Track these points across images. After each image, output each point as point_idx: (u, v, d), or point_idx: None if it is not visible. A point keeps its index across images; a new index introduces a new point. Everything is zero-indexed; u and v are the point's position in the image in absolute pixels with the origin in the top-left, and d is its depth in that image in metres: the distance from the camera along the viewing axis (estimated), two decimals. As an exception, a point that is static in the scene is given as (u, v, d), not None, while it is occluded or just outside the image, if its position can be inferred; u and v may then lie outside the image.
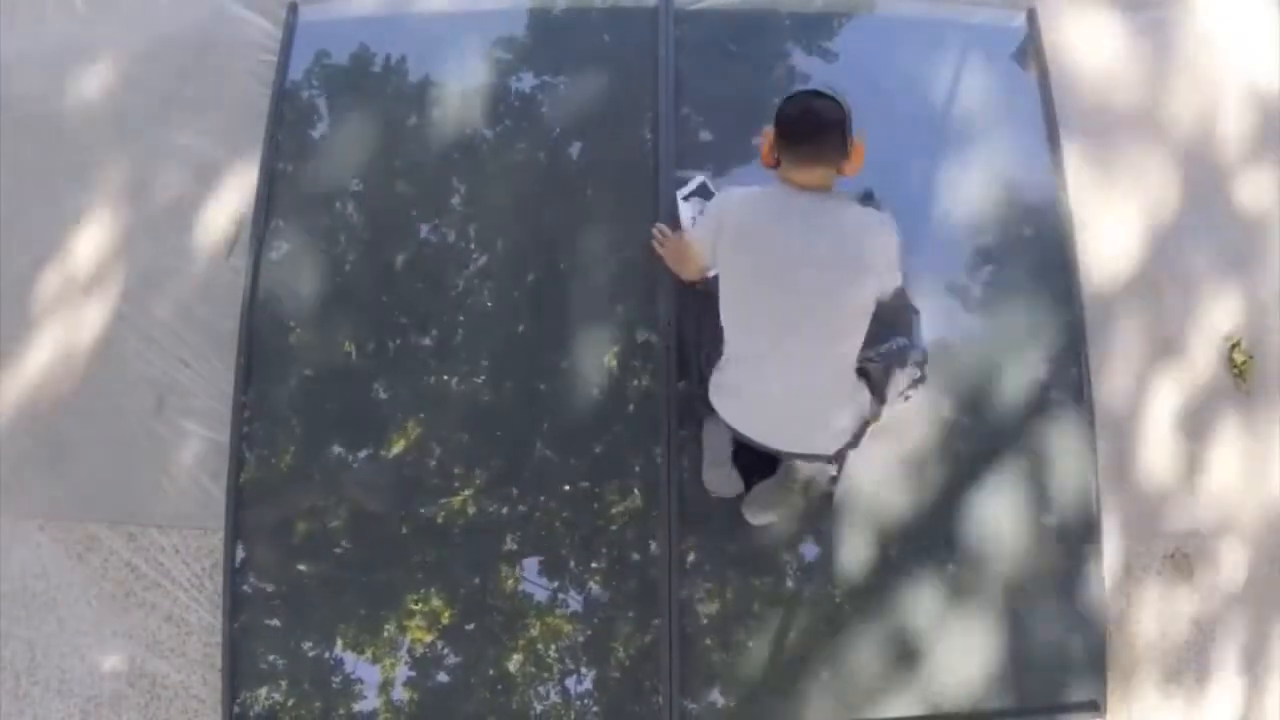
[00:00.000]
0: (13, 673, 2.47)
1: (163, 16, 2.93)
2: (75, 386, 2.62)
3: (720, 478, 2.36)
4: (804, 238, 1.97)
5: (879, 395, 2.19)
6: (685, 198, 2.57)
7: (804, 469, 2.30)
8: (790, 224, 1.98)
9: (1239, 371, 2.61)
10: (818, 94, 1.99)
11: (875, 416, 2.21)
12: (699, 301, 2.33)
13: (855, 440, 2.19)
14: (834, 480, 2.41)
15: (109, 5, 2.94)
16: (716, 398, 2.18)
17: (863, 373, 2.15)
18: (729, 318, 2.10)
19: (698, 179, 2.59)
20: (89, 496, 2.55)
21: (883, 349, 2.21)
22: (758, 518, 2.37)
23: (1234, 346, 2.61)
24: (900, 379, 2.23)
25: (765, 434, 2.16)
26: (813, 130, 1.97)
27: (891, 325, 2.21)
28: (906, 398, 2.28)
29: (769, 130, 2.03)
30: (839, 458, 2.28)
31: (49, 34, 2.92)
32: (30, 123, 2.83)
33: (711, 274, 2.17)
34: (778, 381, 2.07)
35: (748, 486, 2.37)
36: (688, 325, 2.45)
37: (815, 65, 2.79)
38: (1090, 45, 2.89)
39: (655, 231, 2.49)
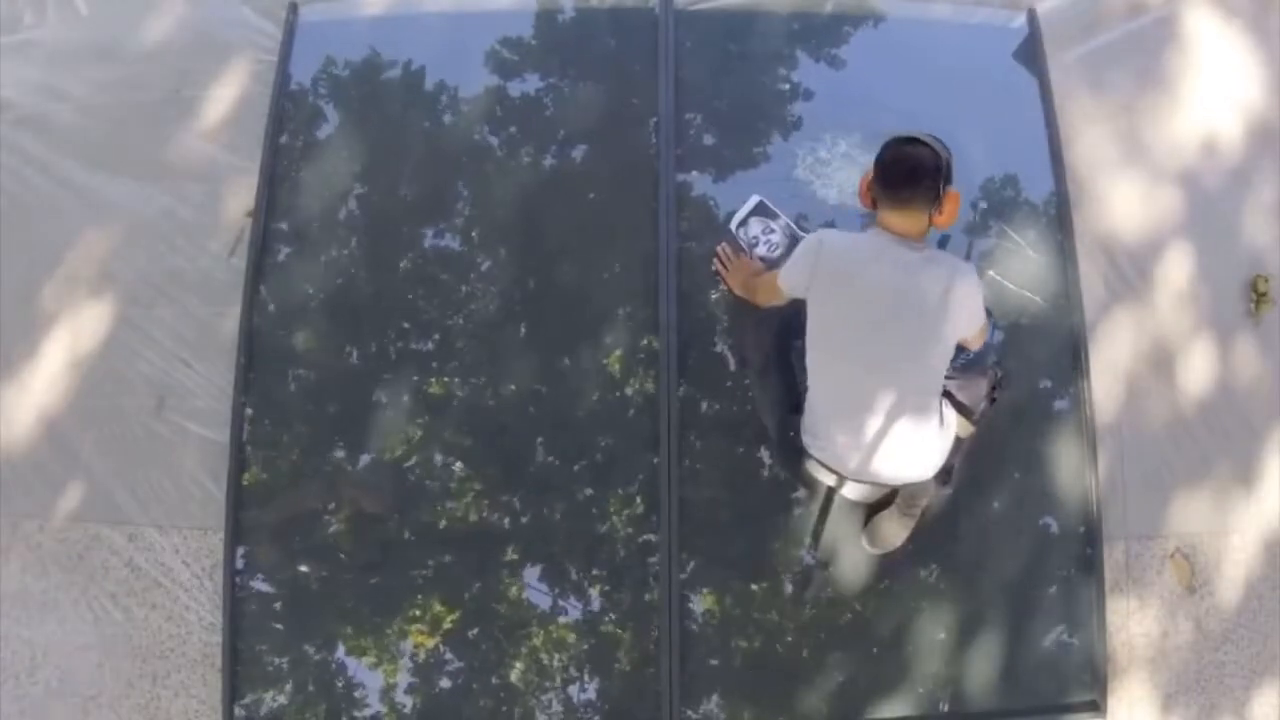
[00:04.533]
0: (13, 673, 2.47)
1: (163, 17, 2.92)
2: (75, 386, 2.62)
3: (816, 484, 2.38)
4: (896, 284, 2.03)
5: (965, 410, 2.24)
6: (743, 220, 2.58)
7: (918, 494, 2.30)
8: (884, 269, 2.04)
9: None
10: (915, 140, 2.06)
11: (965, 430, 2.26)
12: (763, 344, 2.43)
13: (952, 457, 2.24)
14: (947, 493, 2.41)
15: (109, 6, 2.94)
16: (809, 438, 2.23)
17: (945, 393, 2.20)
18: (817, 357, 2.14)
19: (754, 199, 2.59)
20: (89, 496, 2.55)
21: (957, 363, 2.26)
22: (879, 548, 2.38)
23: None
24: (980, 387, 2.28)
25: (860, 471, 2.18)
26: (906, 175, 2.04)
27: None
28: (993, 400, 2.32)
29: (868, 172, 2.11)
30: (944, 476, 2.30)
31: (49, 35, 2.92)
32: (30, 123, 2.83)
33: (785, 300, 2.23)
34: (868, 420, 2.10)
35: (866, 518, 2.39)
36: (690, 329, 2.48)
37: (815, 65, 2.79)
38: (1089, 42, 2.89)
39: (719, 251, 2.52)
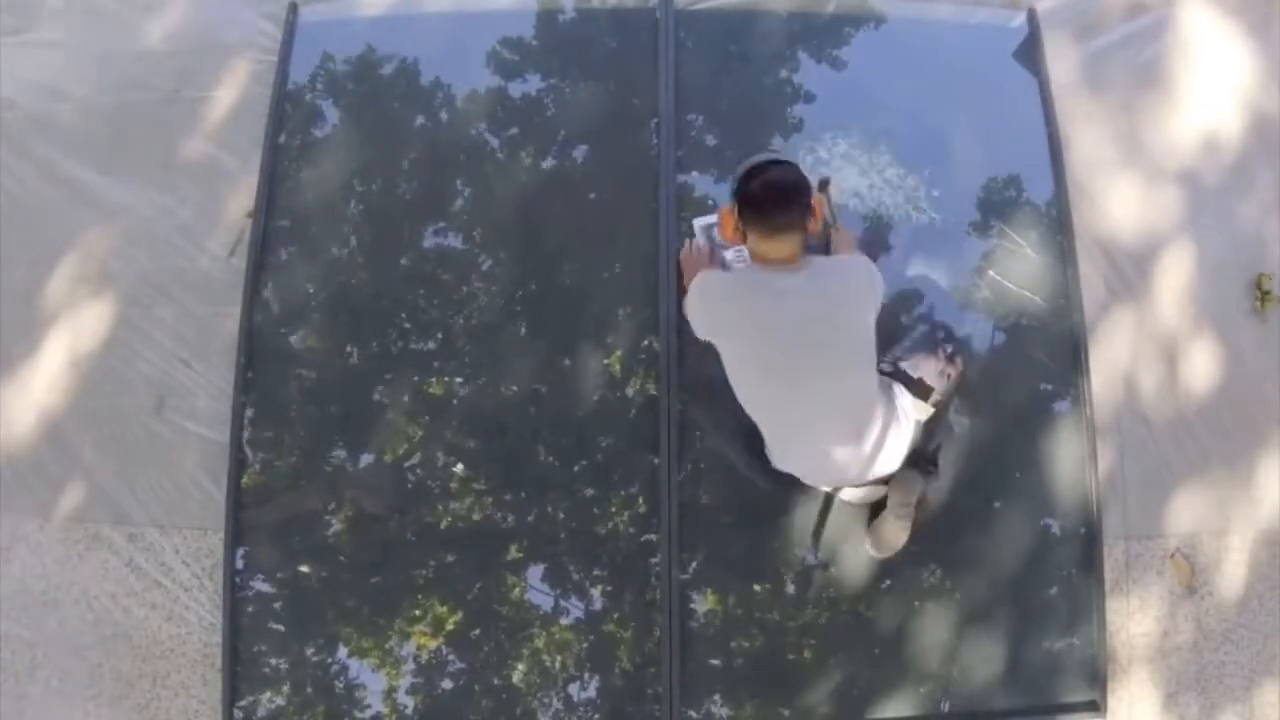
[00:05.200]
0: (13, 673, 2.47)
1: (163, 17, 2.92)
2: (76, 386, 2.62)
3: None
4: (787, 309, 2.00)
5: (921, 389, 2.22)
6: (706, 226, 2.55)
7: (905, 491, 2.29)
8: (772, 300, 2.00)
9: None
10: (774, 163, 2.02)
11: (924, 410, 2.23)
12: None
13: (926, 443, 2.24)
14: (937, 483, 2.38)
15: (110, 6, 2.94)
16: (777, 463, 2.24)
17: (894, 375, 2.18)
18: (742, 394, 2.15)
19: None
20: (89, 496, 2.55)
21: (900, 346, 2.27)
22: (882, 551, 2.36)
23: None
24: (931, 364, 2.25)
25: (836, 480, 2.21)
26: (780, 200, 1.99)
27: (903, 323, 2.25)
28: (948, 376, 2.28)
29: (727, 208, 2.07)
30: (921, 461, 2.30)
31: (49, 36, 2.92)
32: (31, 123, 2.83)
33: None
34: (817, 438, 2.11)
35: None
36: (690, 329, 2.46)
37: (815, 65, 2.79)
38: (1089, 43, 2.89)
39: (688, 243, 2.50)
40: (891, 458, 2.18)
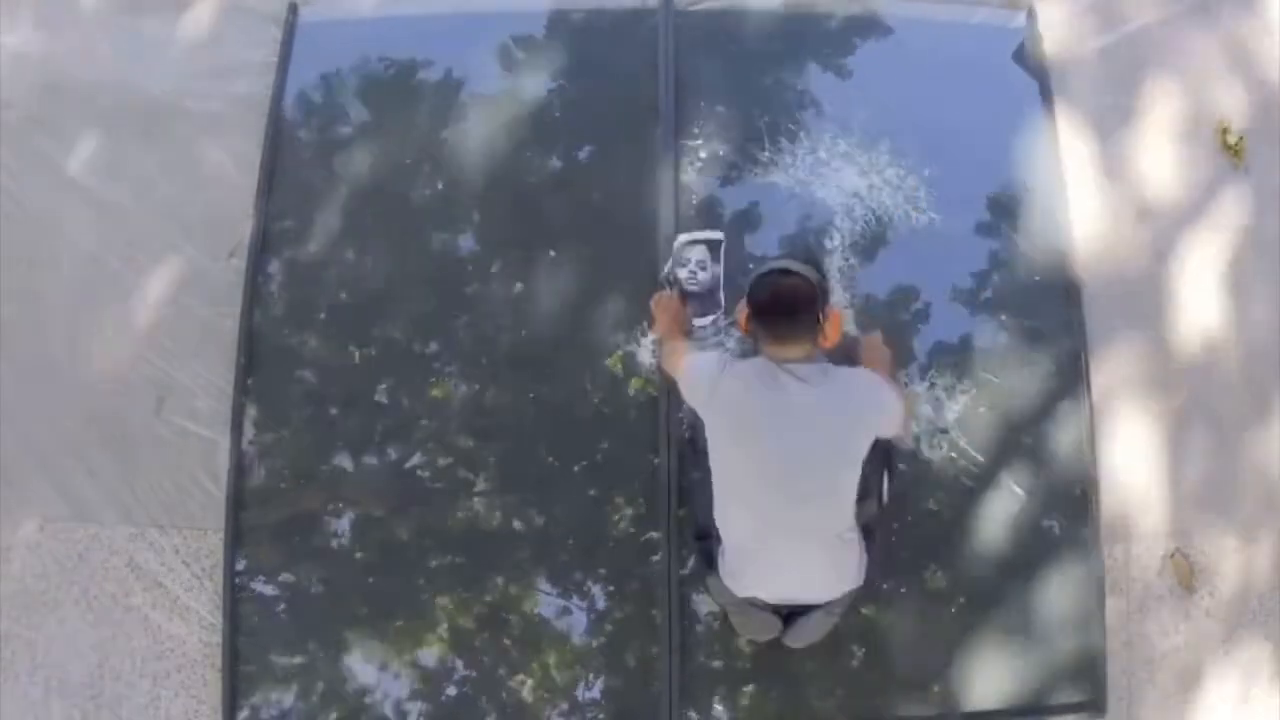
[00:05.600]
0: (13, 673, 2.47)
1: (162, 18, 2.92)
2: (76, 386, 2.62)
3: (754, 624, 2.25)
4: (790, 413, 1.96)
5: (873, 501, 2.17)
6: (693, 241, 2.54)
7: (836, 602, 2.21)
8: (776, 399, 1.96)
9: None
10: (787, 272, 1.98)
11: (873, 520, 2.19)
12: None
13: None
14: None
15: (110, 7, 2.94)
16: (730, 580, 2.14)
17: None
18: (722, 499, 2.09)
19: (718, 235, 2.55)
20: (89, 496, 2.55)
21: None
22: (801, 643, 2.27)
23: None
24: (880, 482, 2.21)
25: (781, 596, 2.13)
26: (782, 313, 1.98)
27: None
28: (881, 500, 2.23)
29: (744, 308, 2.06)
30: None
31: (49, 37, 2.92)
32: (31, 124, 2.83)
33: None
34: (783, 552, 2.05)
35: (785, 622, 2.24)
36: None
37: (815, 65, 2.79)
38: (1089, 43, 2.89)
39: (656, 297, 2.45)
40: (852, 579, 2.12)
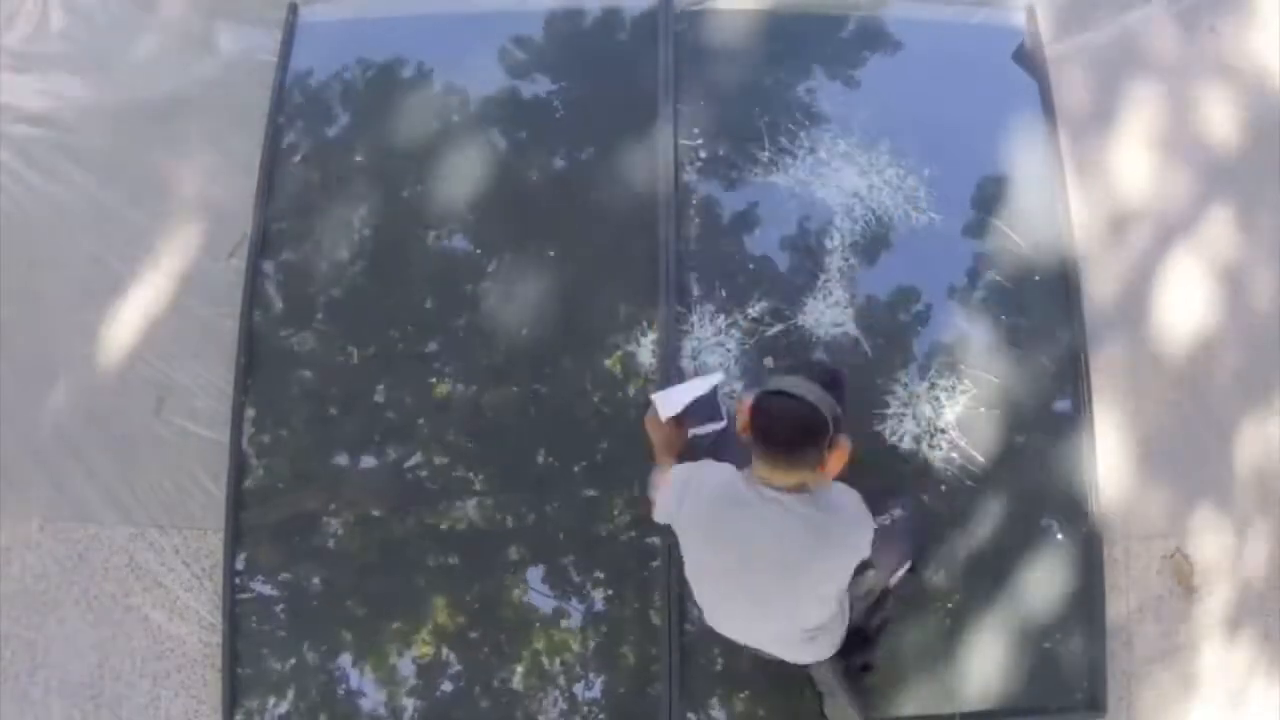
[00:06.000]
0: (13, 673, 2.47)
1: (163, 18, 2.92)
2: (76, 386, 2.62)
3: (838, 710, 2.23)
4: (754, 546, 1.84)
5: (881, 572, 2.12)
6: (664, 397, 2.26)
7: (820, 678, 2.22)
8: (742, 528, 1.83)
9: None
10: (798, 399, 1.77)
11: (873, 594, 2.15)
12: None
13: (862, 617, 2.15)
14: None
15: (110, 8, 2.94)
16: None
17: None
18: (697, 591, 2.04)
19: (717, 377, 2.32)
20: (89, 496, 2.55)
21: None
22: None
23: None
24: (891, 559, 2.13)
25: (773, 656, 2.12)
26: (787, 439, 1.79)
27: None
28: (886, 592, 2.19)
29: (748, 403, 1.84)
30: (858, 648, 2.21)
31: (50, 37, 2.92)
32: (31, 125, 2.83)
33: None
34: (751, 636, 2.06)
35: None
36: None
37: (815, 65, 2.79)
38: (1088, 43, 2.89)
39: (650, 415, 2.24)
40: (823, 655, 2.08)
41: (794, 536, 1.82)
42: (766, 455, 1.81)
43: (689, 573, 2.03)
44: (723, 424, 2.28)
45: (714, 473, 1.92)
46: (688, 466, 1.99)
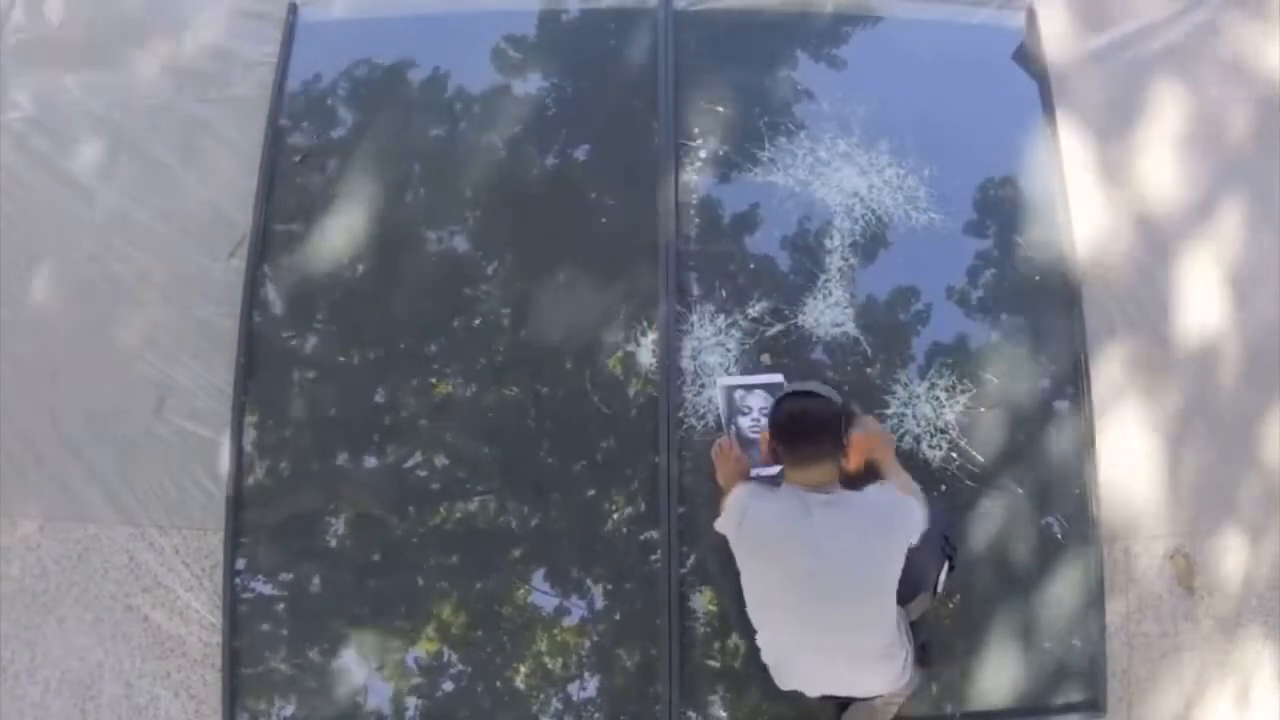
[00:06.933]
0: (13, 673, 2.47)
1: (163, 18, 2.93)
2: (76, 386, 2.62)
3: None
4: (817, 543, 1.94)
5: (926, 595, 2.19)
6: (750, 387, 2.44)
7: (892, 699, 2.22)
8: (806, 526, 1.95)
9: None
10: (808, 394, 2.02)
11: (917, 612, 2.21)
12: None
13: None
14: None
15: (110, 8, 2.94)
16: (773, 673, 2.16)
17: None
18: (757, 616, 2.10)
19: (777, 377, 2.44)
20: (89, 496, 2.55)
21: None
22: None
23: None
24: (929, 574, 2.18)
25: (822, 691, 2.15)
26: (805, 434, 2.00)
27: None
28: (936, 590, 2.23)
29: (766, 431, 2.07)
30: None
31: (50, 37, 2.92)
32: (31, 125, 2.83)
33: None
34: (814, 655, 2.06)
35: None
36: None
37: (815, 65, 2.79)
38: (1089, 43, 2.89)
39: (718, 445, 2.35)
40: (899, 677, 2.11)
41: (849, 530, 1.95)
42: (791, 453, 2.01)
43: (754, 605, 2.09)
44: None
45: (766, 497, 2.05)
46: (749, 486, 2.11)
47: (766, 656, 2.15)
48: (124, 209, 2.74)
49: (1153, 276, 2.71)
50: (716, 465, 2.34)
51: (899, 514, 2.01)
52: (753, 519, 2.02)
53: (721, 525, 2.11)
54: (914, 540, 2.01)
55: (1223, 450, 2.62)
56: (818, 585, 1.96)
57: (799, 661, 2.11)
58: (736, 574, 2.10)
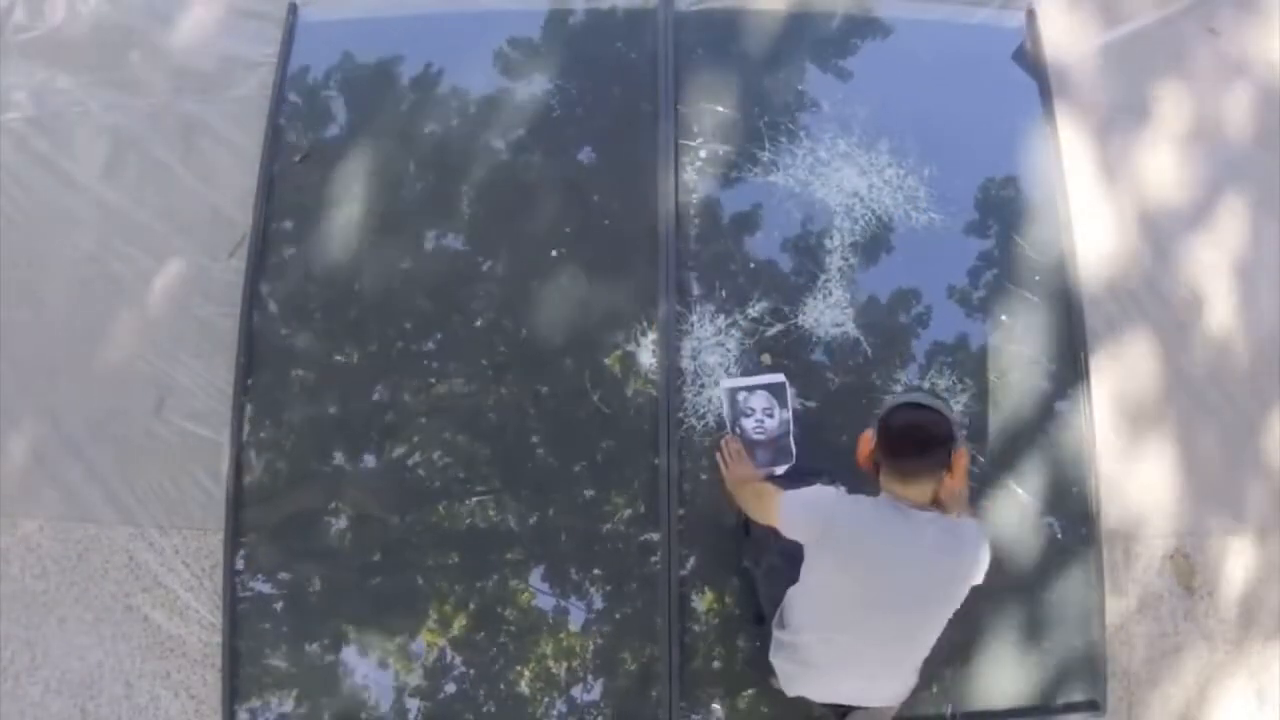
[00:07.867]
0: (13, 673, 2.47)
1: (163, 17, 2.92)
2: (76, 386, 2.62)
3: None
4: (912, 554, 1.92)
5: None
6: (751, 388, 2.43)
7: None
8: (900, 536, 1.92)
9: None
10: (922, 406, 1.95)
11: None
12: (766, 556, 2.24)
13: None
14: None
15: (110, 8, 2.94)
16: (777, 658, 2.13)
17: None
18: (813, 618, 2.05)
19: (779, 378, 2.43)
20: (89, 496, 2.55)
21: None
22: None
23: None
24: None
25: (829, 700, 2.11)
26: (916, 448, 1.92)
27: None
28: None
29: (869, 433, 1.98)
30: None
31: (50, 36, 2.92)
32: (31, 125, 2.83)
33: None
34: (854, 666, 2.04)
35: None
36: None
37: (815, 65, 2.79)
38: (1089, 43, 2.89)
39: (723, 446, 2.35)
40: (906, 690, 2.11)
41: (941, 548, 1.93)
42: (898, 465, 1.93)
43: (814, 607, 2.04)
44: (792, 463, 2.35)
45: (851, 500, 2.00)
46: (829, 491, 2.06)
47: (793, 658, 2.09)
48: (124, 209, 2.73)
49: (1153, 276, 2.71)
50: (723, 466, 2.33)
51: (983, 555, 1.99)
52: (849, 526, 1.95)
53: (793, 533, 2.02)
54: (979, 580, 2.00)
55: (1222, 450, 2.62)
56: (899, 596, 1.94)
57: (834, 668, 2.06)
58: (738, 573, 2.09)
